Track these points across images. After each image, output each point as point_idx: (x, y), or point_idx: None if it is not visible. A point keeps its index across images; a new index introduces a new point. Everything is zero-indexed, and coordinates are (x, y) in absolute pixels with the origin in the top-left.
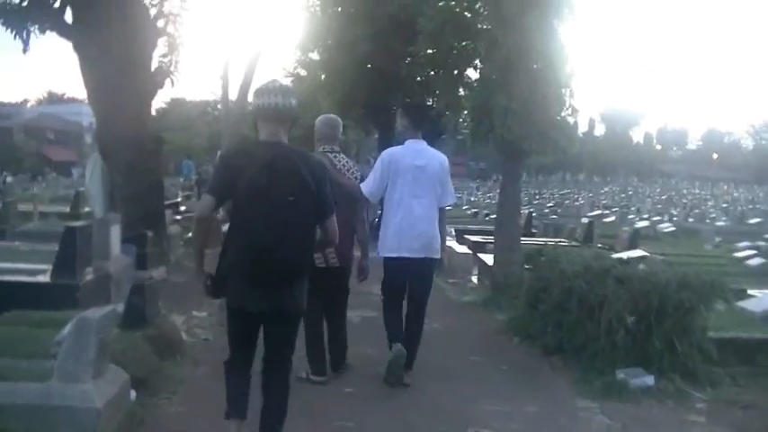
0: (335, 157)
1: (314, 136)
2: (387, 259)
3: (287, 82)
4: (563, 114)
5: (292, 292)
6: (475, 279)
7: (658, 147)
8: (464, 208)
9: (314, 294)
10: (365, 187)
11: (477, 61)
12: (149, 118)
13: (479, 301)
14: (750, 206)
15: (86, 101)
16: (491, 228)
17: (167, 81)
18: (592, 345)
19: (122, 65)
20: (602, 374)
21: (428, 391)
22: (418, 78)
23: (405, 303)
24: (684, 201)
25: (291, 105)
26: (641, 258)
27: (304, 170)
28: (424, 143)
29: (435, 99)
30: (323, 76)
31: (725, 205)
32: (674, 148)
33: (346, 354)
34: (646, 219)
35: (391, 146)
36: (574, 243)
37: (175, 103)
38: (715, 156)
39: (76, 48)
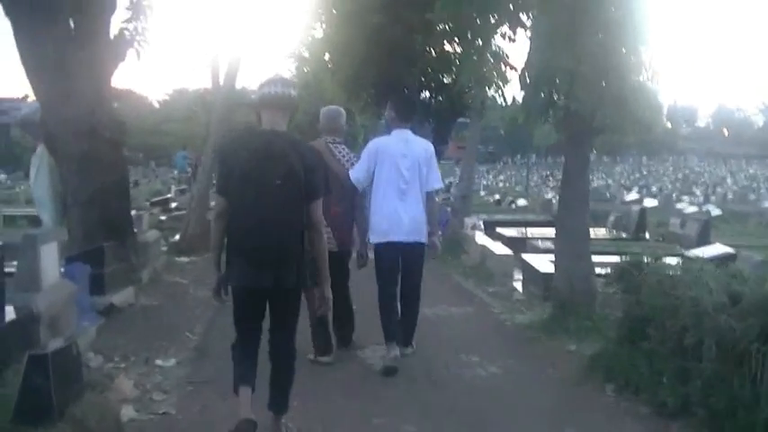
0: (336, 147)
1: (324, 124)
2: (378, 245)
3: (290, 63)
4: (642, 79)
5: (291, 270)
6: (519, 286)
7: (668, 124)
8: (482, 194)
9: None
10: (353, 174)
11: (525, 17)
12: (109, 99)
13: (539, 324)
14: None
15: None
16: (521, 217)
17: (131, 53)
18: (743, 411)
19: (69, 31)
20: None
21: None
22: (434, 53)
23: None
24: (703, 179)
25: (290, 95)
26: (729, 258)
27: (293, 156)
28: (410, 132)
29: (453, 75)
30: (327, 55)
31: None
32: (684, 126)
33: (352, 334)
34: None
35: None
36: (624, 236)
37: (178, 94)
38: (726, 132)
39: (8, 9)
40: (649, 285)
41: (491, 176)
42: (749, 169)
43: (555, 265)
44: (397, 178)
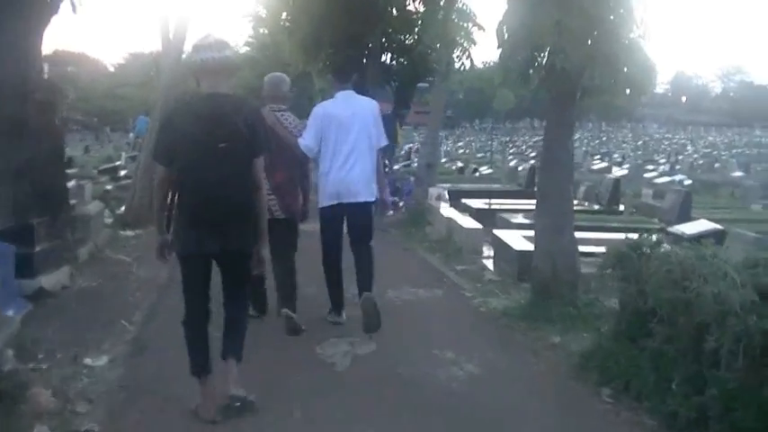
0: (282, 115)
1: (268, 92)
2: (324, 208)
3: (246, 24)
4: (633, 36)
5: (240, 233)
6: (490, 264)
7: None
8: (443, 161)
9: None
10: (302, 142)
11: None
12: (40, 57)
13: (517, 310)
14: (736, 150)
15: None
16: (486, 186)
17: (65, 5)
18: None
19: None
20: None
21: None
22: (396, 12)
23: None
24: (664, 147)
25: (227, 57)
26: (718, 234)
27: (236, 117)
28: (353, 92)
29: (416, 36)
30: (284, 14)
31: (735, 151)
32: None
33: (295, 297)
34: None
35: (365, 95)
36: (596, 208)
37: (133, 58)
38: (684, 99)
39: None
40: (655, 274)
41: (450, 142)
42: (708, 137)
43: (535, 242)
44: (345, 140)
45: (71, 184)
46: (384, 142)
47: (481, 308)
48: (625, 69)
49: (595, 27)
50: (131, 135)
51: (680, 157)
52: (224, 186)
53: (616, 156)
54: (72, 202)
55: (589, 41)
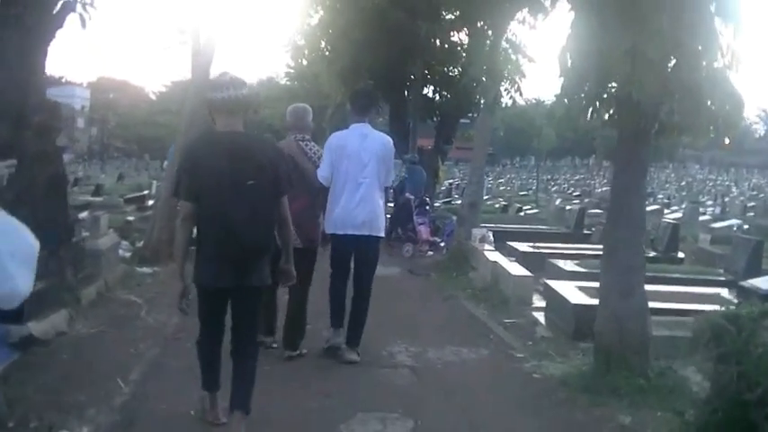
0: (306, 144)
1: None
2: (333, 236)
3: (287, 56)
4: (718, 65)
5: (257, 269)
6: (541, 318)
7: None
8: (486, 198)
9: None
10: (319, 172)
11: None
12: (41, 75)
13: (577, 378)
14: None
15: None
16: (532, 228)
17: (72, 18)
18: None
19: None
20: None
21: None
22: (440, 43)
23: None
24: (709, 187)
25: (243, 96)
26: None
27: (259, 154)
28: (369, 126)
29: (460, 68)
30: (323, 42)
31: None
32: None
33: (301, 339)
34: (708, 216)
35: (406, 128)
36: (653, 254)
37: (175, 86)
38: (727, 141)
39: None
40: (766, 356)
41: (491, 179)
42: (752, 179)
43: (600, 302)
44: (354, 172)
45: (84, 215)
46: (390, 182)
47: (535, 374)
48: (709, 103)
49: (674, 54)
50: (165, 163)
51: (726, 199)
52: (250, 224)
53: (661, 197)
54: (84, 234)
55: (668, 69)
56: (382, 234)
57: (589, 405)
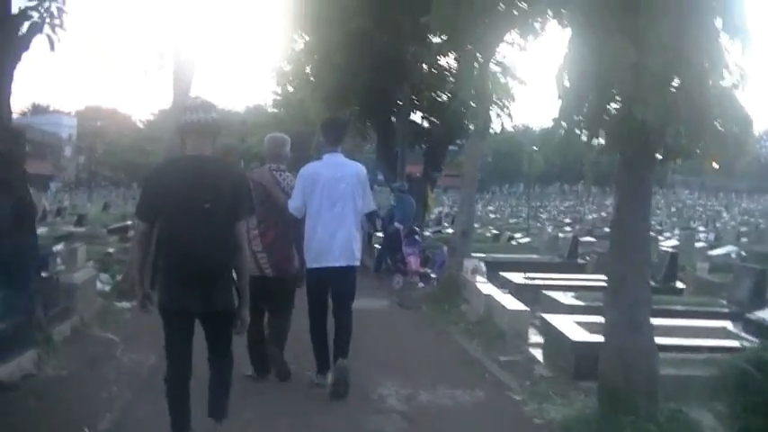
0: (280, 175)
1: (268, 151)
2: (310, 270)
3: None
4: (725, 84)
5: (218, 291)
6: (539, 355)
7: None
8: (476, 226)
9: (250, 300)
10: (290, 203)
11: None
12: (6, 100)
13: (581, 425)
14: None
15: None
16: (525, 257)
17: (39, 40)
18: None
19: None
20: None
21: None
22: (427, 68)
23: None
24: (699, 212)
25: (212, 120)
26: None
27: (220, 180)
28: (341, 156)
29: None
30: (308, 68)
31: None
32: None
33: (282, 357)
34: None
35: (394, 155)
36: (652, 284)
37: (162, 114)
38: (715, 165)
39: None
40: None
41: (480, 206)
42: (741, 203)
43: (604, 340)
44: (329, 203)
45: (59, 247)
46: (372, 208)
47: (535, 418)
48: (717, 124)
49: (680, 71)
50: None
51: (717, 225)
52: (205, 246)
53: (653, 223)
54: (59, 267)
55: (673, 87)
56: (358, 263)
57: None
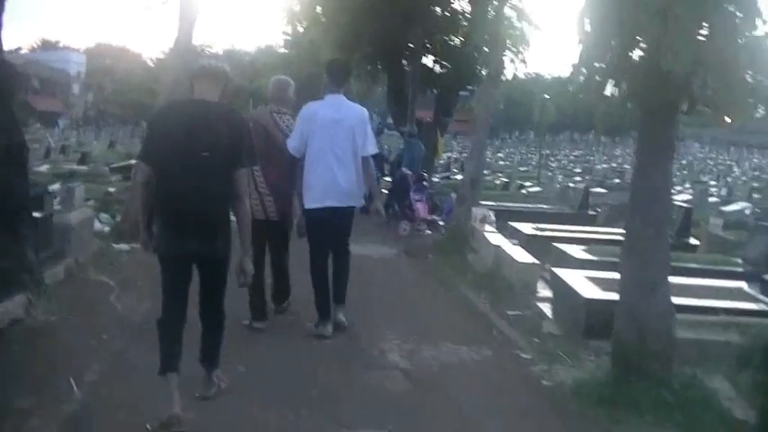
0: (281, 117)
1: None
2: (310, 210)
3: (284, 23)
4: (759, 33)
5: (215, 238)
6: (547, 309)
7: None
8: (485, 173)
9: (253, 244)
10: (289, 143)
11: None
12: None
13: (592, 388)
14: None
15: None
16: (535, 207)
17: None
18: None
19: None
20: None
21: None
22: (440, 11)
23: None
24: (710, 167)
25: (222, 68)
26: None
27: (221, 127)
28: (343, 97)
29: (461, 38)
30: (318, 8)
31: None
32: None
33: (288, 297)
34: (715, 198)
35: (404, 99)
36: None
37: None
38: (728, 119)
39: None
40: None
41: (490, 153)
42: (753, 158)
43: (619, 298)
44: (330, 144)
45: (55, 186)
46: (373, 150)
47: (543, 380)
48: (747, 76)
49: (709, 19)
50: None
51: (728, 180)
52: (201, 194)
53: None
54: (56, 207)
55: (699, 37)
56: (361, 203)
57: (606, 421)
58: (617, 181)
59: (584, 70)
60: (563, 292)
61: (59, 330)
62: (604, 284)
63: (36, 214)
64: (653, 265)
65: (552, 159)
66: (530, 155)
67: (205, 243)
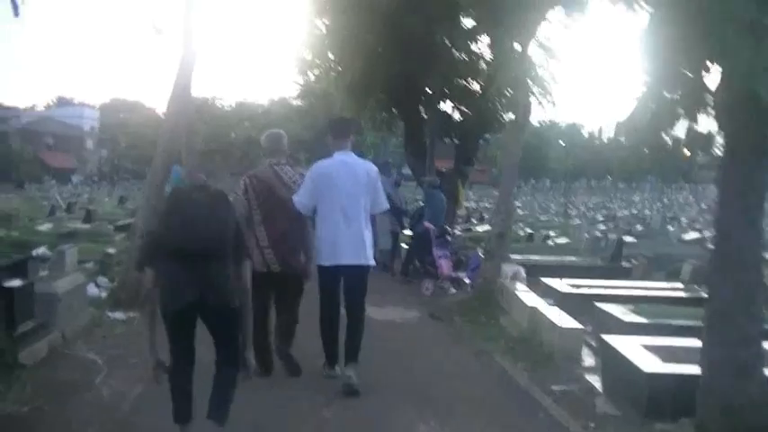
0: (281, 169)
1: (267, 147)
2: (322, 267)
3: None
4: None
5: (219, 286)
6: (597, 383)
7: (685, 151)
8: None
9: (256, 297)
10: (296, 199)
11: None
12: None
13: None
14: None
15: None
16: (566, 261)
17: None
18: None
19: None
20: None
21: None
22: (458, 54)
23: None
24: None
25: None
26: None
27: (218, 218)
28: (352, 154)
29: (481, 82)
30: (330, 55)
31: None
32: (700, 154)
33: (290, 352)
34: None
35: (422, 148)
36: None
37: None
38: None
39: None
40: None
41: None
42: None
43: (702, 382)
44: (340, 202)
45: (40, 250)
46: (385, 207)
47: None
48: None
49: None
50: (167, 188)
51: None
52: (204, 229)
53: (684, 219)
54: (42, 274)
55: None
56: (372, 263)
57: None
58: (639, 227)
59: (651, 105)
60: (616, 364)
61: (28, 425)
62: (664, 354)
63: (14, 283)
64: (747, 343)
65: (570, 206)
66: (546, 202)
67: (210, 291)
